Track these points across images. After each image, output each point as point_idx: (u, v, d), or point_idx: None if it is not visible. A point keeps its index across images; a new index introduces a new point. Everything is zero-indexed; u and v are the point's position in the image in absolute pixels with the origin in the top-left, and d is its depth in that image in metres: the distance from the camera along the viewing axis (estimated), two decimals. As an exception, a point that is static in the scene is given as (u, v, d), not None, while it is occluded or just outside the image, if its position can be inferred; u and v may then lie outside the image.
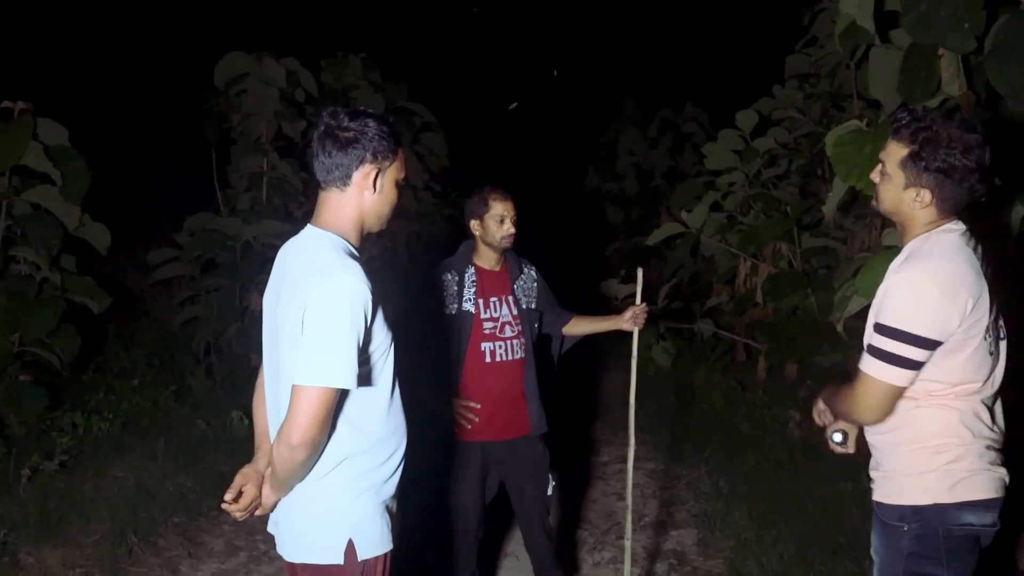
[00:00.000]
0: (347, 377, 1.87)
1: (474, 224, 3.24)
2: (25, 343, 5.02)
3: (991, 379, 2.09)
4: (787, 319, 5.91)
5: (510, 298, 3.28)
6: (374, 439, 2.03)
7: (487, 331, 3.22)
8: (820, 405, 2.43)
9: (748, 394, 6.12)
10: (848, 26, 3.99)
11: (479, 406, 3.21)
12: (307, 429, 1.85)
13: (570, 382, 5.62)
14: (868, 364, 2.05)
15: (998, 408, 2.13)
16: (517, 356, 3.26)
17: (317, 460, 1.96)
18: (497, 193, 3.24)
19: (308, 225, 2.08)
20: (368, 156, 2.00)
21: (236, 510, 2.02)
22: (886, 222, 5.32)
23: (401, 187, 2.11)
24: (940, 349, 1.98)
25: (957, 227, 2.06)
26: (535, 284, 3.38)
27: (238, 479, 2.04)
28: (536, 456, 3.34)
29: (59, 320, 5.03)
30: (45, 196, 5.00)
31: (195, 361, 6.38)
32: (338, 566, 2.01)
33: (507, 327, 3.25)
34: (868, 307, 2.74)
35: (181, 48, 10.07)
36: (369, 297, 1.91)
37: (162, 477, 4.65)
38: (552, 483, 3.40)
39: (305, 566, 2.05)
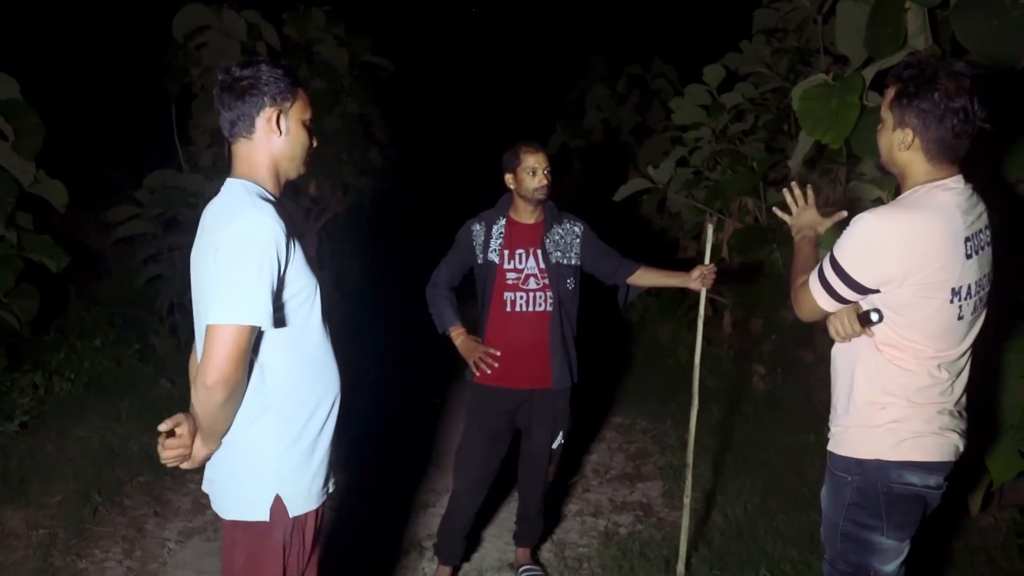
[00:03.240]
0: (259, 315, 1.84)
1: (508, 178, 3.31)
2: (-18, 303, 4.92)
3: (958, 346, 2.08)
4: (752, 274, 5.95)
5: (538, 251, 3.30)
6: (293, 385, 2.00)
7: (510, 282, 3.28)
8: (798, 224, 2.49)
9: (714, 349, 6.19)
10: (816, -21, 3.97)
11: (498, 352, 3.27)
12: (221, 368, 1.81)
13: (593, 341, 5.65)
14: (812, 279, 2.14)
15: (964, 374, 2.13)
16: (540, 308, 3.29)
17: (238, 404, 1.93)
18: (529, 146, 3.29)
19: (227, 179, 2.07)
20: (266, 100, 1.99)
21: (167, 449, 1.95)
22: (850, 176, 5.41)
23: (310, 128, 2.09)
24: (887, 303, 2.01)
25: (956, 185, 2.04)
26: (577, 239, 3.36)
27: (178, 415, 1.98)
28: (554, 409, 3.39)
29: (17, 279, 4.93)
30: (-3, 152, 4.86)
31: (159, 320, 6.29)
32: (264, 523, 1.98)
33: (531, 279, 3.29)
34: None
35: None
36: (282, 237, 1.88)
37: (126, 437, 4.61)
38: (561, 440, 3.44)
39: (234, 523, 2.02)
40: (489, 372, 3.27)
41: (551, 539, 3.84)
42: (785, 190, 2.60)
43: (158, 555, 3.71)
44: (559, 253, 3.32)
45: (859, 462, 2.12)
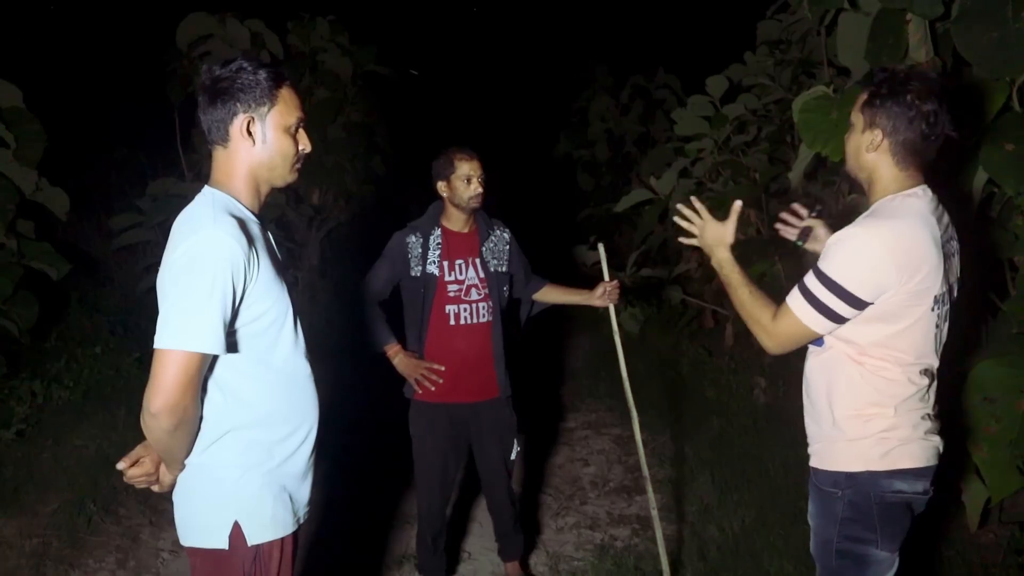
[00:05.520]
0: (207, 340, 1.71)
1: (441, 186, 3.21)
2: (-19, 310, 4.92)
3: (935, 352, 2.10)
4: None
5: (477, 260, 3.25)
6: (262, 412, 1.88)
7: (452, 294, 3.20)
8: (706, 239, 2.33)
9: (715, 360, 6.16)
10: (818, -9, 3.96)
11: (443, 368, 3.19)
12: (165, 395, 1.69)
13: (536, 345, 5.62)
14: (795, 301, 2.06)
15: (936, 379, 2.14)
16: (483, 319, 3.24)
17: (191, 431, 1.82)
18: (463, 153, 3.20)
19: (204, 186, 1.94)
20: (239, 106, 1.85)
21: (132, 476, 1.88)
22: (853, 188, 5.39)
23: (296, 134, 1.93)
24: (876, 314, 1.99)
25: (924, 194, 2.06)
26: (507, 247, 3.35)
27: (139, 449, 1.89)
28: (502, 420, 3.34)
29: (16, 287, 4.93)
30: (-1, 160, 4.87)
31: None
32: (222, 551, 1.85)
33: (473, 290, 3.22)
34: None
35: (143, 7, 9.82)
36: (240, 257, 1.74)
37: (123, 446, 4.52)
38: (517, 448, 3.40)
39: (194, 550, 1.90)
40: (433, 389, 3.20)
41: (546, 551, 3.81)
42: (676, 217, 2.42)
43: (152, 565, 3.69)
44: (496, 261, 3.28)
45: (849, 475, 2.09)
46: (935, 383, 2.13)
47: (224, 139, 1.88)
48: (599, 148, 10.67)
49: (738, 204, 2.35)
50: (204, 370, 1.77)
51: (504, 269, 3.31)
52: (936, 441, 2.12)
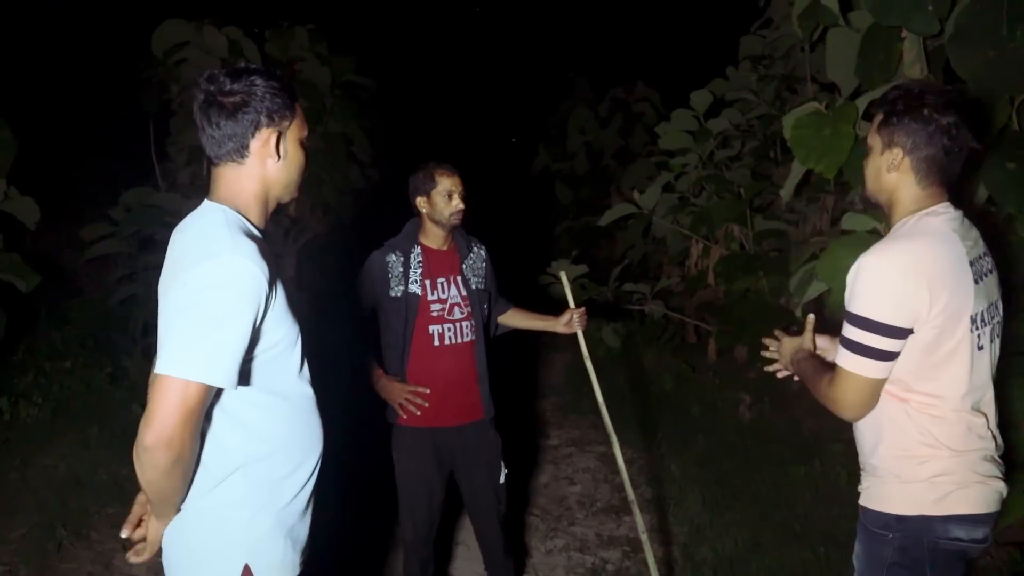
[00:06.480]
0: (218, 373, 1.57)
1: (420, 201, 3.09)
2: (-54, 323, 4.73)
3: (987, 380, 1.98)
4: (738, 301, 5.89)
5: (459, 278, 3.15)
6: (273, 445, 1.75)
7: (435, 313, 3.09)
8: (786, 356, 2.31)
9: (699, 376, 6.12)
10: (808, 6, 3.94)
11: (427, 391, 3.09)
12: (163, 427, 1.53)
13: (515, 360, 5.53)
14: (843, 358, 1.94)
15: (993, 412, 2.00)
16: (467, 339, 3.14)
17: (187, 471, 1.65)
18: (444, 168, 3.10)
19: (204, 200, 1.79)
20: (263, 119, 1.73)
21: (137, 554, 1.76)
22: (838, 205, 5.38)
23: (307, 148, 1.85)
24: (916, 346, 1.88)
25: (945, 211, 1.96)
26: (484, 264, 3.26)
27: (137, 509, 1.75)
28: (488, 442, 3.23)
29: (-17, 299, 4.76)
30: (-35, 168, 4.71)
31: (132, 342, 6.12)
32: None
33: (456, 309, 3.12)
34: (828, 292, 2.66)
35: (117, 13, 9.64)
36: (264, 282, 1.62)
37: (95, 465, 4.45)
38: (504, 471, 3.30)
39: None
40: (419, 413, 3.09)
41: (536, 576, 3.72)
42: (763, 352, 2.45)
43: (125, 592, 3.55)
44: (476, 279, 3.19)
45: (900, 518, 1.95)
46: (992, 418, 2.00)
47: (241, 155, 1.75)
48: (578, 161, 10.67)
49: (812, 317, 2.33)
50: (207, 404, 1.61)
51: (484, 287, 3.23)
52: (998, 485, 1.97)
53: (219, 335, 1.58)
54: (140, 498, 1.78)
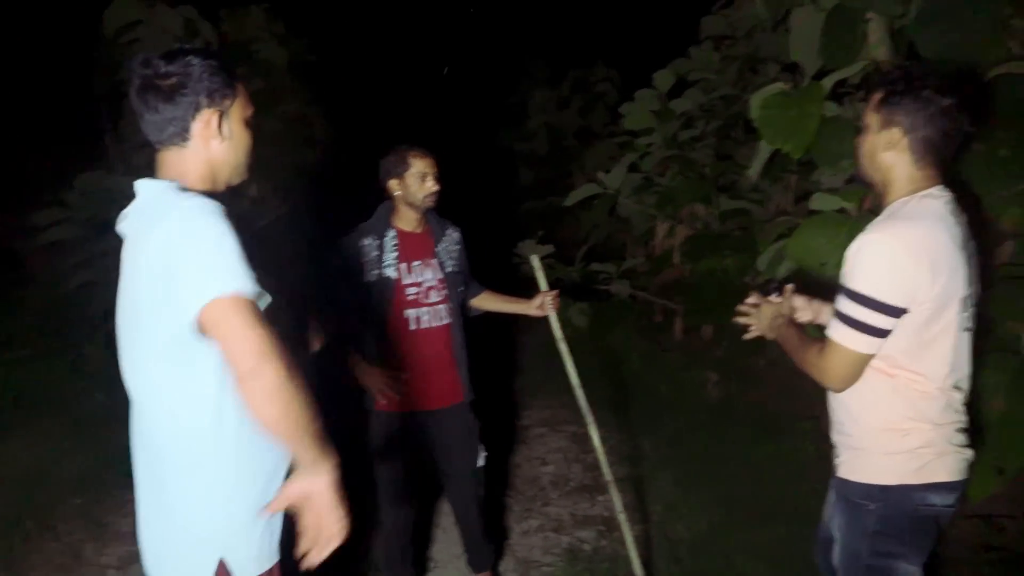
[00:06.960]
0: (248, 282, 1.53)
1: (393, 184, 3.06)
2: None
3: (967, 359, 2.03)
4: (703, 281, 5.94)
5: (433, 261, 3.13)
6: (247, 425, 1.64)
7: (411, 297, 3.07)
8: (766, 321, 2.34)
9: (666, 355, 6.17)
10: (774, -14, 3.96)
11: (406, 375, 3.07)
12: (249, 343, 1.49)
13: (483, 340, 5.53)
14: (836, 330, 1.97)
15: (967, 387, 2.07)
16: (444, 322, 3.13)
17: (295, 374, 1.55)
18: (417, 150, 3.07)
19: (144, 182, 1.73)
20: (203, 100, 1.70)
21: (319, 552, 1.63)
22: (801, 185, 5.44)
23: (252, 126, 1.81)
24: (909, 326, 1.92)
25: (942, 194, 1.99)
26: (458, 246, 3.24)
27: (281, 494, 1.62)
28: (467, 426, 3.23)
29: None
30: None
31: (91, 328, 5.98)
32: None
33: (432, 292, 3.11)
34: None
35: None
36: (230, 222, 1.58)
37: (59, 456, 4.35)
38: (483, 454, 3.30)
39: None
40: (398, 398, 3.07)
41: (514, 557, 3.73)
42: (736, 318, 2.45)
43: (97, 584, 3.49)
44: (451, 261, 3.18)
45: (883, 488, 2.02)
46: (966, 394, 2.08)
47: (182, 138, 1.71)
48: (539, 142, 10.66)
49: (791, 286, 2.38)
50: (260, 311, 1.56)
51: (457, 269, 3.21)
52: (968, 454, 2.07)
53: (229, 253, 1.54)
54: (285, 490, 1.62)
